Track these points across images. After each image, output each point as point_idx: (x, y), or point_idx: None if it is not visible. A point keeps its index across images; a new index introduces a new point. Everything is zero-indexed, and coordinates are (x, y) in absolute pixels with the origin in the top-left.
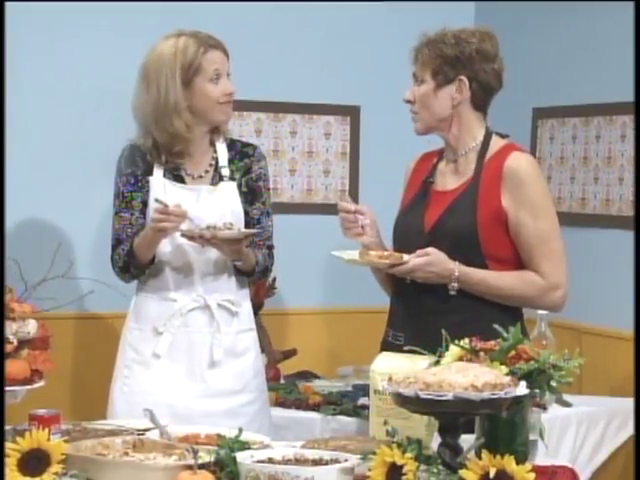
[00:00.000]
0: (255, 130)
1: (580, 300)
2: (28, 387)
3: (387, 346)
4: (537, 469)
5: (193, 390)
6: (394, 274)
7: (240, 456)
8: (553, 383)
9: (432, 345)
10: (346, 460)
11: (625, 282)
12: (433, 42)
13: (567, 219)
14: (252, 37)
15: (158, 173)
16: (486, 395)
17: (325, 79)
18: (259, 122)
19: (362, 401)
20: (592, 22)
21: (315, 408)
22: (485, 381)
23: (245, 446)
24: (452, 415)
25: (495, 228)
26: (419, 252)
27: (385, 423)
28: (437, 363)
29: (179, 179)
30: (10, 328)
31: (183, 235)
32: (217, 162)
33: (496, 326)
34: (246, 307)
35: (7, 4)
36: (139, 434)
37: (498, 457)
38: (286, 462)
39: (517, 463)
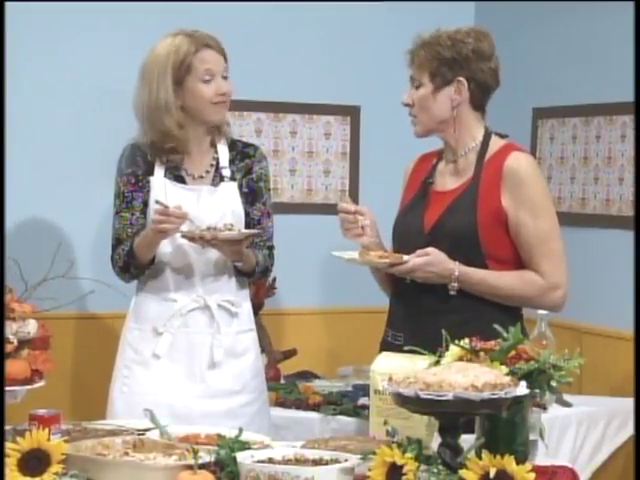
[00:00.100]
0: (255, 130)
1: (580, 300)
2: (28, 387)
3: (386, 346)
4: (537, 469)
5: (193, 390)
6: (394, 274)
7: (240, 456)
8: (553, 383)
9: (432, 345)
10: (346, 460)
11: (625, 282)
12: (429, 44)
13: (567, 219)
14: (252, 37)
15: (159, 173)
16: (486, 395)
17: (325, 79)
18: (259, 122)
19: (362, 401)
20: (592, 22)
21: (315, 408)
22: (485, 381)
23: (245, 446)
24: (452, 415)
25: (495, 228)
26: (419, 252)
27: (385, 423)
28: (437, 363)
29: (180, 179)
30: (10, 328)
31: (183, 236)
32: (218, 162)
33: (496, 326)
34: (246, 308)
35: (7, 4)
36: (139, 434)
37: (498, 457)
38: (286, 462)
39: (517, 463)
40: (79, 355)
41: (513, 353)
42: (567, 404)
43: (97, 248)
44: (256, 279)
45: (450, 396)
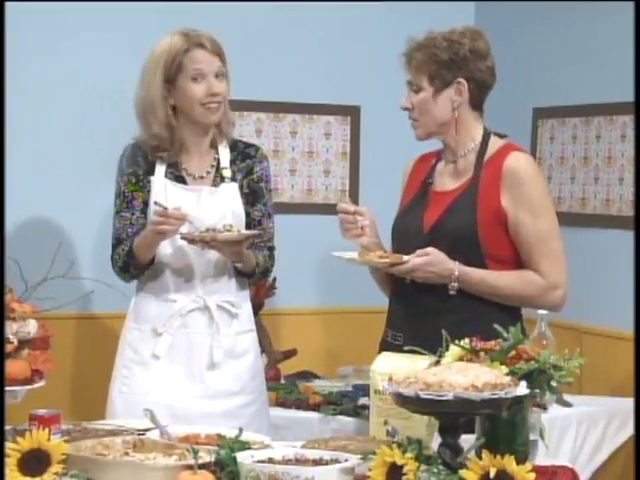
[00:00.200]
0: (255, 130)
1: (580, 300)
2: (28, 387)
3: (386, 346)
4: (537, 469)
5: (192, 391)
6: (393, 274)
7: (240, 456)
8: (553, 383)
9: (431, 345)
10: (346, 460)
11: (625, 282)
12: (425, 47)
13: (567, 219)
14: (252, 37)
15: (159, 173)
16: (486, 395)
17: (325, 79)
18: (259, 122)
19: (362, 401)
20: (592, 22)
21: (315, 408)
22: (485, 381)
23: (245, 446)
24: (452, 415)
25: (495, 228)
26: (419, 252)
27: (385, 423)
28: (437, 363)
29: (180, 179)
30: (10, 328)
31: (183, 238)
32: (219, 163)
33: (496, 326)
34: (246, 308)
35: (7, 4)
36: (139, 434)
37: (498, 457)
38: (286, 462)
39: (517, 463)
40: (79, 355)
41: (513, 353)
42: (567, 404)
43: (97, 248)
44: (256, 280)
45: (450, 396)
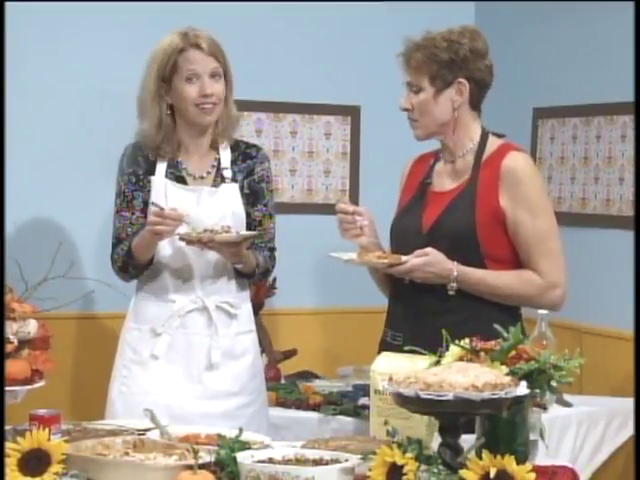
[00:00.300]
0: (255, 130)
1: (580, 300)
2: (28, 387)
3: (385, 346)
4: (537, 469)
5: (190, 392)
6: (392, 275)
7: (240, 456)
8: (553, 383)
9: (431, 345)
10: (346, 460)
11: (625, 282)
12: (424, 47)
13: (567, 219)
14: (252, 37)
15: (160, 173)
16: (486, 395)
17: (325, 79)
18: (259, 122)
19: (362, 401)
20: (592, 22)
21: (315, 408)
22: (485, 381)
23: (245, 446)
24: (452, 415)
25: (494, 228)
26: (417, 252)
27: (385, 423)
28: (437, 363)
29: (181, 180)
30: (11, 328)
31: (181, 239)
32: (219, 163)
33: (497, 326)
34: (246, 309)
35: (7, 4)
36: (139, 434)
37: (498, 457)
38: (286, 462)
39: (517, 463)
40: (79, 355)
41: (513, 353)
42: (567, 404)
43: (98, 248)
44: (257, 280)
45: (450, 396)
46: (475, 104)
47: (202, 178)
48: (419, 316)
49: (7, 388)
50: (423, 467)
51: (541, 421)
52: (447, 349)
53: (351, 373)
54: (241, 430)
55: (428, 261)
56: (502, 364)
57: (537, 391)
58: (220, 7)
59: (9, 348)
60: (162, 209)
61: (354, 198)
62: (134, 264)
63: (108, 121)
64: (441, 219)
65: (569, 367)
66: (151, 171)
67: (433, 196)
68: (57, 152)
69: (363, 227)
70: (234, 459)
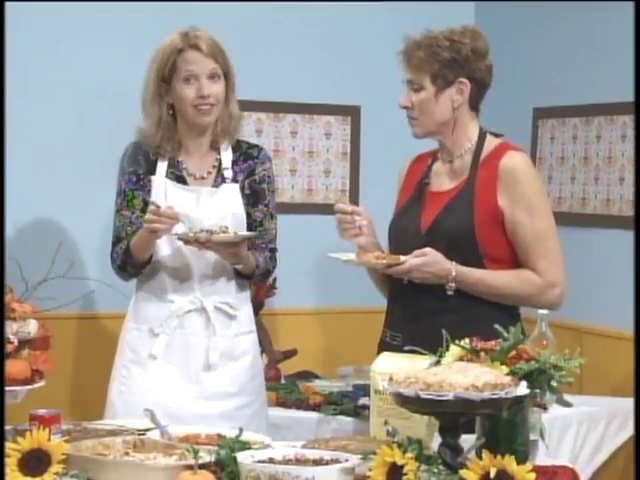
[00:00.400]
0: (255, 130)
1: (580, 300)
2: (28, 387)
3: (385, 346)
4: (537, 469)
5: (188, 392)
6: (391, 275)
7: (241, 456)
8: (554, 383)
9: (430, 345)
10: (346, 460)
11: (625, 282)
12: (426, 46)
13: (567, 219)
14: (252, 37)
15: (160, 173)
16: (487, 395)
17: (325, 79)
18: (259, 122)
19: (362, 401)
20: (592, 22)
21: (315, 408)
22: (486, 381)
23: (246, 446)
24: (453, 415)
25: (492, 227)
26: (416, 252)
27: (386, 423)
28: (437, 363)
29: (181, 180)
30: (11, 328)
31: (179, 238)
32: (220, 164)
33: (497, 326)
34: (246, 310)
35: (7, 4)
36: (140, 434)
37: (499, 457)
38: (287, 462)
39: (518, 463)
40: (79, 355)
41: (513, 353)
42: (567, 404)
43: (98, 248)
44: (257, 281)
45: (450, 396)
46: (474, 104)
47: (203, 178)
48: (418, 316)
49: (7, 388)
50: (423, 467)
51: (541, 421)
52: (447, 349)
53: (351, 373)
54: (241, 430)
55: (426, 261)
56: (502, 364)
57: (537, 391)
58: (220, 7)
59: (9, 348)
60: (158, 207)
61: (354, 198)
62: (132, 263)
63: (108, 121)
64: (439, 219)
65: (569, 367)
66: (152, 170)
67: (431, 196)
68: (57, 152)
69: (362, 227)
70: (234, 459)
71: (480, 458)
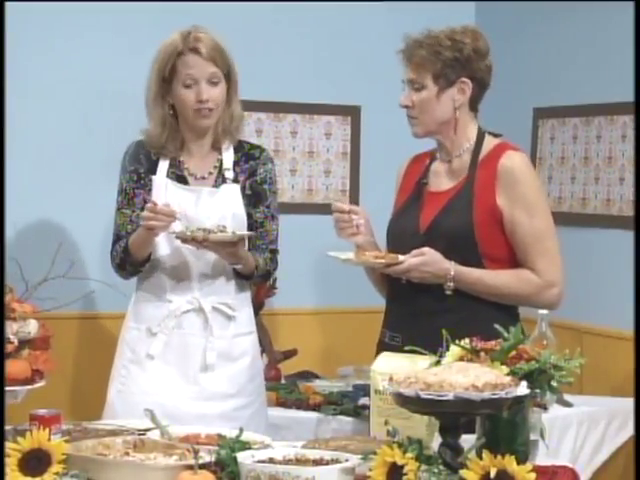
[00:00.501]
0: (255, 130)
1: (580, 300)
2: (29, 387)
3: (383, 347)
4: (538, 469)
5: (186, 392)
6: (389, 275)
7: (241, 456)
8: (554, 383)
9: (429, 345)
10: (347, 460)
11: (625, 282)
12: (428, 45)
13: (568, 219)
14: (252, 37)
15: (161, 172)
16: (487, 395)
17: (325, 79)
18: (259, 122)
19: (363, 401)
20: (592, 22)
21: (316, 408)
22: (486, 381)
23: (246, 446)
24: (453, 415)
25: (491, 227)
26: (414, 252)
27: (386, 423)
28: (438, 363)
29: (182, 179)
30: (11, 328)
31: (177, 237)
32: (222, 164)
33: (497, 326)
34: (246, 311)
35: (7, 4)
36: (140, 434)
37: (499, 457)
38: (287, 462)
39: (518, 463)
40: (79, 355)
41: (514, 353)
42: (568, 404)
43: (98, 248)
44: (257, 282)
45: (451, 396)
46: (473, 104)
47: (204, 178)
48: (416, 316)
49: (7, 388)
50: (423, 467)
51: (541, 421)
52: (447, 349)
53: (351, 373)
54: (241, 430)
55: (425, 261)
56: (502, 364)
57: (537, 391)
58: (220, 7)
59: (9, 348)
60: (155, 204)
61: (354, 198)
62: (131, 261)
63: (108, 121)
64: (438, 219)
65: (569, 367)
66: (153, 170)
67: (430, 196)
68: (57, 152)
69: (359, 226)
70: (234, 459)
71: (480, 458)
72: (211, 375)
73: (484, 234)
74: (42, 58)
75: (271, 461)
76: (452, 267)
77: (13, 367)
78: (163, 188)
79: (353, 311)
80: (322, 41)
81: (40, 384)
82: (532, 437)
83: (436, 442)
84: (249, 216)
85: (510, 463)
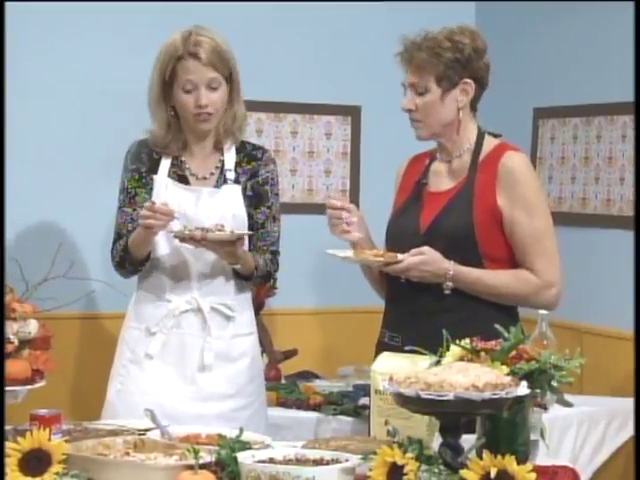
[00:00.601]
0: (256, 130)
1: (580, 300)
2: (29, 387)
3: (383, 347)
4: (538, 469)
5: (184, 392)
6: (387, 275)
7: (241, 456)
8: (554, 383)
9: (429, 345)
10: (347, 460)
11: (625, 282)
12: (428, 47)
13: (568, 219)
14: (252, 37)
15: (163, 172)
16: (487, 395)
17: (325, 79)
18: (260, 122)
19: (363, 401)
20: (592, 22)
21: (316, 408)
22: (486, 381)
23: (246, 446)
24: (453, 415)
25: (491, 227)
26: (414, 251)
27: (386, 423)
28: (438, 363)
29: (183, 179)
30: (11, 328)
31: (175, 236)
32: (223, 165)
33: (497, 326)
34: (246, 311)
35: (7, 4)
36: (140, 434)
37: (499, 457)
38: (287, 462)
39: (518, 463)
40: (80, 355)
41: (514, 353)
42: (568, 404)
43: (98, 248)
44: (257, 283)
45: (451, 396)
46: (473, 104)
47: (205, 179)
48: (416, 316)
49: (7, 388)
50: (424, 467)
51: (542, 421)
52: (447, 349)
53: (351, 373)
54: (242, 430)
55: (424, 260)
56: (503, 364)
57: (538, 391)
58: (220, 7)
59: (9, 348)
60: (153, 203)
61: (354, 198)
62: (130, 260)
63: (108, 121)
64: (439, 219)
65: (569, 367)
66: (154, 169)
67: (429, 196)
68: (57, 152)
69: (350, 224)
70: (235, 459)
71: (480, 458)
72: (209, 375)
73: (484, 234)
74: (42, 58)
75: (271, 461)
76: (451, 266)
77: (13, 367)
78: (164, 188)
79: (353, 311)
80: (322, 41)
81: (40, 384)
82: (532, 437)
83: (436, 442)
84: (250, 217)
85: (510, 463)
